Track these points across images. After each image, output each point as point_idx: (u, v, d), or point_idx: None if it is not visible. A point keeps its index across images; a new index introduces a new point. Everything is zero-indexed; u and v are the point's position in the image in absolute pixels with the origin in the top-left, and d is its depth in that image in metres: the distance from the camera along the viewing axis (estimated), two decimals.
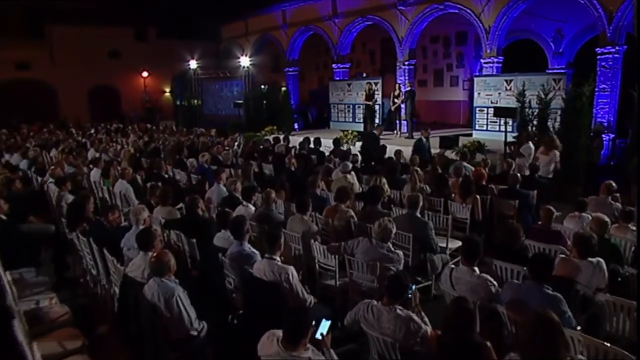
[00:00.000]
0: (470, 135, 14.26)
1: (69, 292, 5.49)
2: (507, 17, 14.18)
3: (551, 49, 17.98)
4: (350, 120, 18.23)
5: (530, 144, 9.07)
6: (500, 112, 10.45)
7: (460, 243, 5.89)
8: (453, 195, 6.45)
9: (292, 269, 3.91)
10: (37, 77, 23.79)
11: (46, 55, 23.93)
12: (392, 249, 4.32)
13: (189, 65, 21.86)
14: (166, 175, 8.32)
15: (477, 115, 14.36)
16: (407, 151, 10.05)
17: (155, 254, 3.71)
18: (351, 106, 18.17)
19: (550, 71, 16.55)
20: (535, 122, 10.29)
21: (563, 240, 4.87)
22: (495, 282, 3.75)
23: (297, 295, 3.87)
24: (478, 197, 6.16)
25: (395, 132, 14.91)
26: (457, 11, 15.23)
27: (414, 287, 3.37)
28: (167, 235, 5.34)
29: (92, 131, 17.53)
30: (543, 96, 10.32)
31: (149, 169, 8.82)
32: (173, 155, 10.21)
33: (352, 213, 5.48)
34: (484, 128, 14.10)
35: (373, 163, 9.07)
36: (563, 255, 4.24)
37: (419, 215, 5.19)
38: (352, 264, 4.38)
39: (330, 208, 5.69)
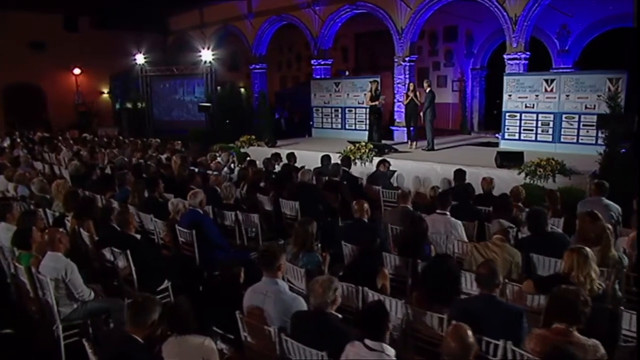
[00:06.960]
0: (497, 145, 12.07)
1: None
2: (539, 5, 11.84)
3: (555, 47, 16.14)
4: (339, 126, 15.32)
5: None
6: (606, 122, 7.64)
7: None
8: None
9: None
10: None
11: None
12: None
13: (134, 60, 17.93)
14: (138, 235, 4.64)
15: (506, 121, 11.97)
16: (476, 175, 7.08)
17: None
18: (340, 110, 15.25)
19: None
20: None
21: None
22: None
23: None
24: None
25: (410, 143, 12.08)
26: None
27: None
28: None
29: (6, 143, 12.99)
30: None
31: (101, 215, 5.12)
32: (138, 190, 6.07)
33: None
34: (516, 137, 11.78)
35: (471, 202, 5.77)
36: None
37: None
38: None
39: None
